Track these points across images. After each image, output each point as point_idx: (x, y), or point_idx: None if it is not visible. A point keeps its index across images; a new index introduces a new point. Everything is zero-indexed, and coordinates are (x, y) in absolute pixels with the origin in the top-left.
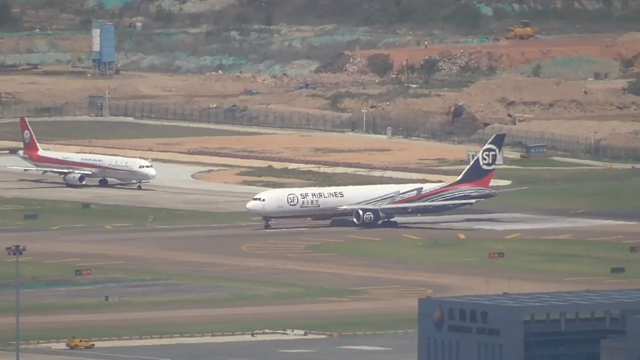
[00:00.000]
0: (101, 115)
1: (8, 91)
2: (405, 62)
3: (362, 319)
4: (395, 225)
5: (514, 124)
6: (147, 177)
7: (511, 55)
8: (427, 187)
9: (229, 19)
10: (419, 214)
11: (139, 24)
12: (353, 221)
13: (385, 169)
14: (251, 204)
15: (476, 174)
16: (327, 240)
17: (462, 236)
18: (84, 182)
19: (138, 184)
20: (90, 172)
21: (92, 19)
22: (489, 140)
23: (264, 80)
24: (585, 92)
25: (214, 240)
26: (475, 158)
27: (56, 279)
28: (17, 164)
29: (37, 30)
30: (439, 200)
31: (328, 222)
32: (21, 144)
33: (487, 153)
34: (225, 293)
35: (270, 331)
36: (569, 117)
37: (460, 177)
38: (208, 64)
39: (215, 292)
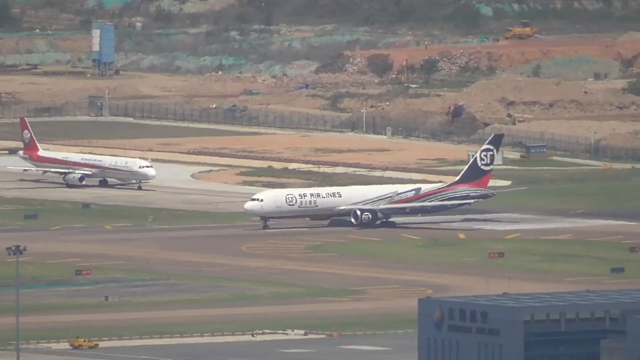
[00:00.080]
0: (101, 116)
1: (8, 91)
2: (405, 62)
3: (362, 319)
4: (393, 225)
5: (514, 124)
6: (147, 177)
7: (511, 55)
8: (425, 188)
9: (229, 19)
10: (419, 214)
11: (138, 24)
12: (351, 221)
13: (385, 169)
14: (249, 205)
15: (474, 174)
16: (327, 240)
17: (462, 236)
18: (84, 182)
19: (138, 184)
20: (90, 172)
21: (92, 19)
22: (487, 141)
23: (264, 80)
24: (585, 92)
25: (213, 240)
26: (473, 158)
27: (56, 279)
28: (17, 164)
29: (37, 30)
30: (437, 201)
31: (326, 222)
32: (21, 144)
33: (485, 153)
34: (225, 293)
35: (270, 331)
36: (568, 117)
37: (458, 177)
38: (208, 64)
39: (215, 292)
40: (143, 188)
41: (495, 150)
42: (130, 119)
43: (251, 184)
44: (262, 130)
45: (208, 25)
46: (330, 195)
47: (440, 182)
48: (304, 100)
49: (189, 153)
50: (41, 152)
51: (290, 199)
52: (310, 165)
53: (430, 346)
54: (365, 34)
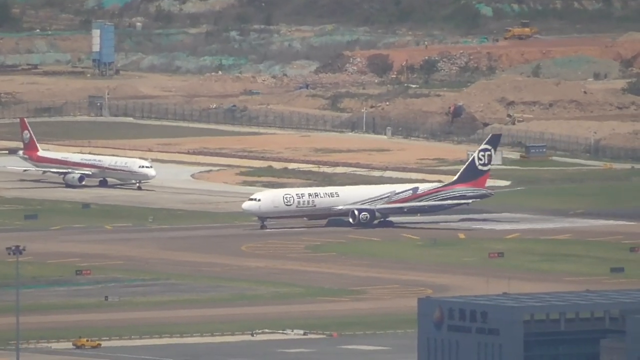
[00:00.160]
0: (101, 116)
1: (8, 91)
2: (404, 62)
3: (362, 319)
4: (391, 225)
5: (514, 124)
6: (146, 177)
7: (511, 55)
8: (423, 187)
9: (228, 19)
10: (419, 214)
11: (138, 24)
12: (349, 221)
13: (385, 169)
14: (247, 204)
15: (472, 174)
16: (327, 240)
17: (461, 236)
18: (83, 183)
19: (138, 184)
20: (90, 173)
21: (92, 19)
22: (485, 141)
23: (263, 80)
24: (585, 92)
25: (213, 240)
26: (470, 158)
27: (56, 279)
28: (17, 164)
29: (37, 30)
30: (435, 200)
31: (324, 222)
32: (21, 144)
33: (482, 153)
34: (225, 293)
35: (270, 331)
36: (568, 117)
37: (456, 177)
38: (208, 64)
39: (215, 292)
40: (143, 188)
41: (493, 151)
42: (130, 119)
43: (251, 184)
44: (262, 130)
45: (208, 25)
46: (328, 195)
47: (440, 181)
48: (304, 100)
49: (189, 153)
50: (41, 152)
51: (288, 199)
52: (310, 165)
53: (430, 346)
54: (365, 34)
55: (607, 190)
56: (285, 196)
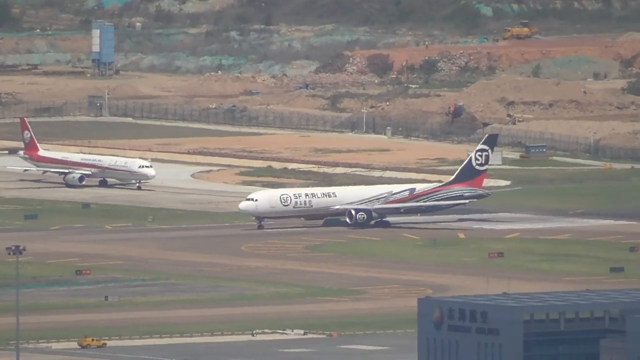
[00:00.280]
0: (101, 116)
1: (8, 91)
2: (405, 62)
3: (362, 319)
4: (388, 225)
5: (514, 124)
6: (146, 177)
7: (511, 55)
8: (420, 187)
9: (228, 19)
10: (419, 214)
11: (138, 24)
12: (346, 221)
13: (385, 169)
14: (244, 205)
15: (469, 174)
16: (327, 240)
17: (461, 236)
18: (83, 182)
19: (138, 184)
20: (90, 172)
21: (92, 19)
22: (482, 141)
23: (263, 80)
24: (585, 92)
25: (213, 240)
26: (468, 158)
27: (56, 279)
28: (17, 164)
29: (37, 30)
30: (432, 201)
31: (321, 222)
32: (21, 144)
33: (479, 153)
34: (225, 293)
35: (270, 331)
36: (568, 117)
37: (453, 177)
38: (208, 64)
39: (215, 292)
40: (143, 188)
41: (490, 151)
42: (130, 119)
43: (251, 183)
44: (262, 130)
45: (208, 25)
46: (325, 195)
47: (440, 181)
48: (304, 100)
49: (188, 153)
50: (41, 152)
51: (285, 199)
52: (310, 166)
53: (430, 346)
54: (365, 34)
55: (607, 190)
56: (282, 196)
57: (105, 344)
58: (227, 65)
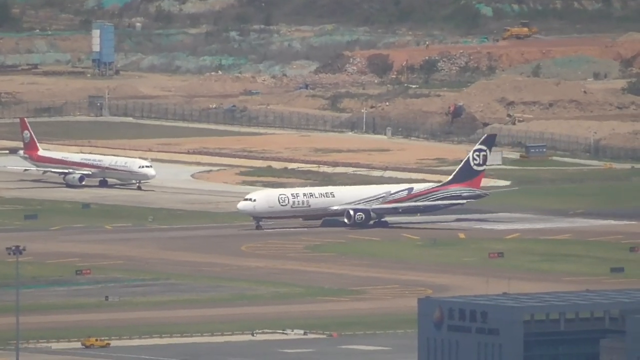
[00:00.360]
0: (101, 116)
1: (8, 91)
2: (405, 62)
3: (362, 319)
4: (386, 225)
5: (514, 124)
6: (146, 177)
7: (511, 55)
8: (418, 187)
9: (228, 19)
10: (419, 214)
11: (138, 24)
12: (344, 221)
13: (385, 169)
14: (242, 204)
15: (467, 174)
16: (326, 240)
17: (462, 236)
18: (83, 183)
19: (138, 184)
20: (90, 173)
21: (92, 19)
22: (480, 141)
23: (263, 80)
24: (585, 92)
25: (213, 240)
26: (465, 158)
27: (56, 279)
28: (17, 164)
29: (37, 30)
30: (430, 201)
31: (319, 222)
32: (21, 144)
33: (477, 153)
34: (225, 293)
35: (270, 331)
36: (568, 117)
37: (450, 177)
38: (208, 64)
39: (215, 292)
40: (143, 188)
41: (488, 151)
42: (130, 119)
43: (251, 183)
44: (262, 130)
45: (208, 26)
46: (323, 196)
47: (440, 181)
48: (304, 100)
49: (189, 153)
50: (41, 152)
51: (283, 199)
52: (310, 165)
53: (430, 346)
54: (365, 34)
55: (607, 190)
56: (280, 196)
57: (108, 344)
58: (227, 65)
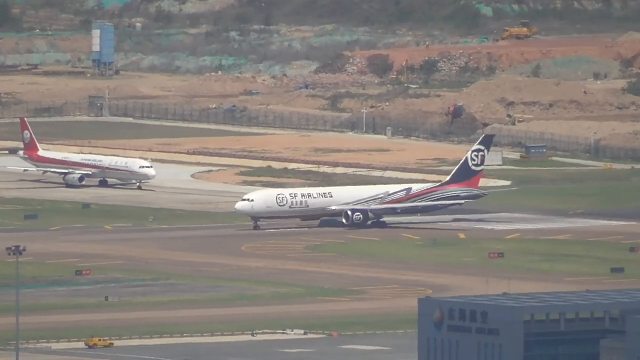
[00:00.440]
0: (101, 116)
1: (8, 91)
2: (404, 62)
3: (362, 319)
4: (384, 225)
5: (514, 124)
6: (147, 177)
7: (511, 55)
8: (416, 188)
9: (228, 19)
10: (419, 214)
11: (138, 24)
12: (342, 222)
13: (385, 169)
14: (240, 205)
15: (465, 174)
16: (326, 240)
17: (462, 236)
18: (83, 182)
19: (138, 184)
20: (90, 172)
21: (92, 19)
22: (478, 141)
23: (263, 80)
24: (585, 92)
25: (213, 240)
26: (464, 158)
27: (56, 279)
28: (17, 164)
29: (37, 30)
30: (428, 201)
31: (317, 222)
32: (21, 144)
33: (475, 153)
34: (225, 293)
35: (270, 331)
36: (568, 117)
37: (449, 177)
38: (207, 64)
39: (214, 292)
40: (143, 188)
41: (486, 151)
42: (130, 119)
43: (251, 183)
44: (261, 130)
45: (208, 26)
46: (321, 196)
47: (439, 182)
48: (304, 100)
49: (189, 153)
50: (41, 152)
51: (281, 199)
52: (310, 165)
53: (430, 346)
54: (365, 34)
55: (607, 190)
56: (278, 196)
57: (112, 343)
58: (227, 65)
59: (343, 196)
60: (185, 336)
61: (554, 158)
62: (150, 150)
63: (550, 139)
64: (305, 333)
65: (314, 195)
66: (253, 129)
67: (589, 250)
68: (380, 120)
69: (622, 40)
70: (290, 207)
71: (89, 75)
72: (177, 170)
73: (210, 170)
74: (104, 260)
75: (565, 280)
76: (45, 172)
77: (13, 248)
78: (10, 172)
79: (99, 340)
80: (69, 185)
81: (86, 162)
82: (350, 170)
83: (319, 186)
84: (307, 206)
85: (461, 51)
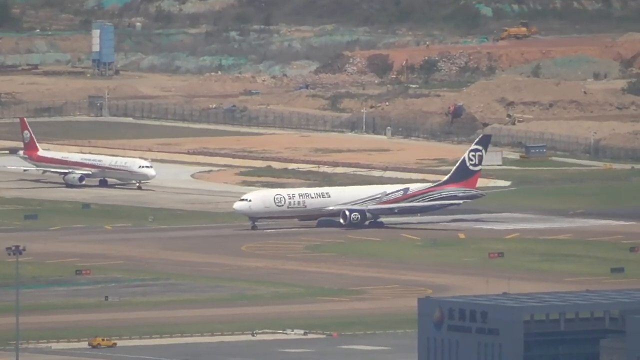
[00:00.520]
0: (101, 116)
1: (8, 91)
2: (404, 62)
3: (362, 319)
4: (381, 225)
5: (514, 124)
6: (146, 177)
7: (510, 55)
8: (414, 188)
9: (228, 19)
10: (419, 214)
11: (138, 24)
12: (340, 222)
13: (385, 169)
14: (238, 205)
15: (463, 174)
16: (326, 240)
17: (461, 236)
18: (83, 182)
19: (138, 184)
20: (90, 172)
21: (92, 19)
22: (475, 141)
23: (263, 80)
24: (585, 93)
25: (213, 240)
26: (462, 158)
27: (56, 279)
28: (17, 164)
29: (37, 30)
30: (426, 201)
31: (314, 222)
32: (21, 144)
33: (473, 154)
34: (225, 293)
35: (270, 331)
36: (568, 118)
37: (446, 177)
38: (207, 64)
39: (214, 292)
40: (143, 188)
41: (483, 151)
42: (130, 119)
43: (251, 184)
44: (261, 130)
45: (208, 26)
46: (319, 196)
47: (437, 181)
48: (304, 100)
49: (189, 153)
50: (41, 152)
51: (279, 200)
52: (310, 166)
53: (430, 346)
54: (365, 34)
55: (607, 190)
56: (276, 197)
57: (115, 343)
58: (227, 65)
59: (341, 196)
60: (185, 336)
61: (554, 158)
62: (150, 150)
63: (550, 139)
64: (305, 333)
65: (312, 196)
66: (253, 129)
67: (589, 250)
68: (380, 120)
69: (622, 40)
70: (288, 207)
71: (89, 75)
72: (177, 170)
73: (211, 171)
74: (104, 260)
75: (565, 280)
76: (45, 172)
77: (13, 248)
78: (10, 172)
79: (103, 340)
80: (69, 185)
81: (86, 162)
82: (350, 171)
83: (319, 186)
84: (305, 206)
85: (461, 51)
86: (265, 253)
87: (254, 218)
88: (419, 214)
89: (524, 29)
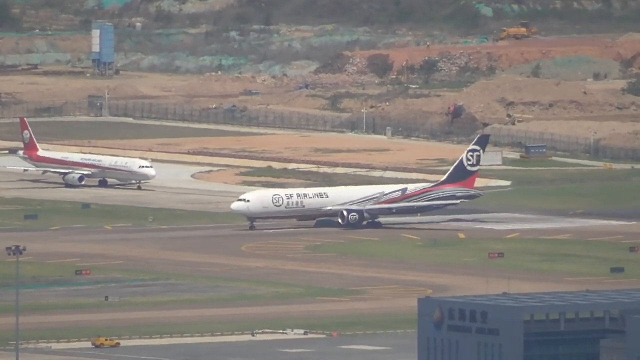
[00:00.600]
0: (101, 116)
1: (8, 91)
2: (404, 62)
3: (362, 319)
4: (379, 225)
5: (514, 124)
6: (146, 177)
7: (510, 55)
8: (412, 188)
9: (228, 19)
10: (418, 214)
11: (138, 24)
12: (338, 222)
13: (385, 169)
14: (236, 205)
15: (460, 174)
16: (326, 240)
17: (461, 236)
18: (83, 182)
19: (138, 184)
20: (90, 172)
21: (92, 19)
22: (473, 141)
23: (263, 80)
24: (585, 93)
25: (213, 240)
26: (459, 159)
27: (56, 279)
28: (17, 164)
29: (37, 30)
30: (424, 201)
31: (312, 223)
32: (21, 144)
33: (471, 154)
34: (225, 293)
35: (270, 331)
36: (568, 118)
37: (444, 177)
38: (207, 64)
39: (214, 292)
40: (143, 188)
41: (481, 151)
42: (130, 119)
43: (251, 184)
44: (261, 130)
45: (208, 25)
46: (317, 196)
47: (437, 181)
48: (304, 100)
49: (189, 153)
50: (41, 152)
51: (277, 200)
52: (310, 166)
53: (430, 346)
54: (365, 34)
55: (607, 190)
56: (274, 197)
57: (118, 343)
58: (227, 65)
59: (339, 196)
60: (185, 336)
61: (554, 158)
62: (150, 150)
63: (550, 139)
64: (305, 333)
65: (310, 196)
66: (253, 129)
67: (589, 250)
68: (380, 120)
69: (622, 40)
70: (286, 207)
71: (88, 75)
72: (177, 170)
73: (211, 171)
74: (104, 260)
75: (565, 280)
76: (45, 172)
77: (13, 248)
78: (10, 172)
79: (106, 340)
80: (68, 185)
81: (86, 162)
82: (350, 171)
83: (318, 186)
84: (303, 206)
85: (461, 51)
86: (265, 253)
87: (252, 218)
88: (417, 214)
89: (523, 29)
